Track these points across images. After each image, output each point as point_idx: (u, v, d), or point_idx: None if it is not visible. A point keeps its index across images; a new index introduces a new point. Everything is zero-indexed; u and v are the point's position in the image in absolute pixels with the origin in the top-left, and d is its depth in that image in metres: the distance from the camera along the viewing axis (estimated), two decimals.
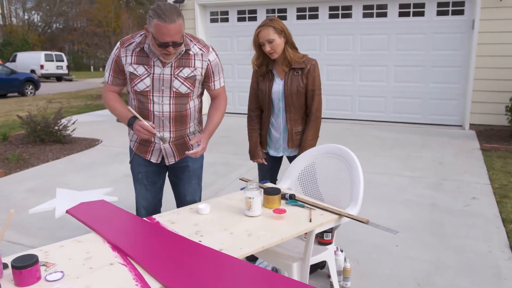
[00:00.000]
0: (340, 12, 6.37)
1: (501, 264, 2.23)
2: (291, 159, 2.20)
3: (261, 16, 6.88)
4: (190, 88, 1.80)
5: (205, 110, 1.97)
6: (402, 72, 6.18)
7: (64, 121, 5.42)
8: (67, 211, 1.58)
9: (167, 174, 2.04)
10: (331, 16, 6.43)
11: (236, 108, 7.35)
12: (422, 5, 5.88)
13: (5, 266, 1.22)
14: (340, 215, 1.62)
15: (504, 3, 5.30)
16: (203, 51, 1.80)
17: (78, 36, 29.43)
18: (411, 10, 5.96)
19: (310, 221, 1.56)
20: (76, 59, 32.09)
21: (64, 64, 19.52)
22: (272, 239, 1.42)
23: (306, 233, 1.65)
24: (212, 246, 1.35)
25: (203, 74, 1.82)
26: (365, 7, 6.18)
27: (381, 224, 1.99)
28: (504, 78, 5.43)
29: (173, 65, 1.75)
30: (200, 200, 2.02)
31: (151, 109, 1.79)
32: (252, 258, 2.14)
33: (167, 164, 1.93)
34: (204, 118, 1.92)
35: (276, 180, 2.33)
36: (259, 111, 2.23)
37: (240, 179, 2.12)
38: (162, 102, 1.77)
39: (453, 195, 3.29)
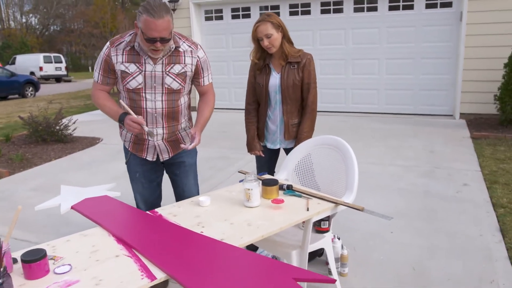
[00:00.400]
0: (331, 7, 6.43)
1: (492, 247, 2.31)
2: (287, 151, 2.25)
3: (255, 13, 6.91)
4: (182, 84, 1.84)
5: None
6: (393, 65, 6.26)
7: (65, 121, 5.48)
8: (72, 207, 1.61)
9: (164, 171, 2.08)
10: (323, 12, 6.49)
11: (231, 104, 7.39)
12: None
13: (14, 261, 1.26)
14: (337, 203, 1.68)
15: None
16: (192, 48, 1.85)
17: (76, 37, 29.30)
18: (401, 3, 6.03)
19: (308, 210, 1.61)
20: (74, 60, 32.07)
21: (63, 65, 19.58)
22: (271, 228, 1.47)
23: (303, 222, 1.70)
24: (213, 237, 1.39)
25: (193, 70, 1.87)
26: (356, 2, 6.25)
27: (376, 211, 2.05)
28: (492, 68, 5.53)
29: (164, 62, 1.78)
30: (198, 194, 2.06)
31: (144, 106, 1.82)
32: (252, 248, 2.19)
33: (161, 160, 1.97)
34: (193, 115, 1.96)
35: (274, 172, 2.39)
36: (256, 104, 2.28)
37: (238, 171, 2.17)
38: (154, 99, 1.80)
39: (444, 182, 3.37)
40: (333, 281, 1.18)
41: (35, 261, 1.17)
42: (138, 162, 1.97)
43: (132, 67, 1.76)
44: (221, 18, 7.19)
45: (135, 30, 1.76)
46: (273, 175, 2.32)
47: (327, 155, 1.99)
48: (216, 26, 7.24)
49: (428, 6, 5.88)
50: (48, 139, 5.28)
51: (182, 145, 1.83)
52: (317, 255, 2.24)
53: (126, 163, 2.02)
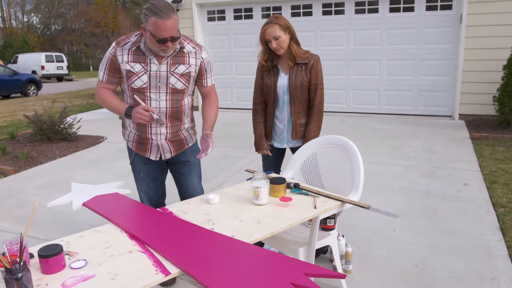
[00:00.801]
0: (333, 9, 6.47)
1: (492, 245, 2.35)
2: (294, 150, 2.29)
3: (257, 14, 6.95)
4: (186, 84, 1.87)
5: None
6: (394, 66, 6.31)
7: (69, 119, 5.51)
8: (83, 204, 1.64)
9: (168, 170, 2.11)
10: (325, 13, 6.53)
11: (234, 104, 7.42)
12: (412, 1, 6.00)
13: (31, 256, 1.29)
14: (343, 201, 1.71)
15: None
16: (196, 49, 1.89)
17: (77, 36, 29.36)
18: (401, 5, 6.07)
19: (315, 207, 1.65)
20: (75, 59, 32.10)
21: (64, 64, 19.64)
22: (280, 225, 1.50)
23: (310, 220, 1.74)
24: (224, 233, 1.42)
25: (196, 71, 1.90)
26: (357, 4, 6.29)
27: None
28: (491, 69, 5.58)
29: (168, 62, 1.82)
30: (202, 192, 2.09)
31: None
32: (259, 245, 2.22)
33: (163, 159, 1.99)
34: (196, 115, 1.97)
35: (280, 171, 2.42)
36: (263, 104, 2.31)
37: (246, 170, 2.20)
38: (159, 98, 1.83)
39: (445, 182, 3.42)
40: (344, 276, 1.21)
41: (52, 256, 1.19)
42: (142, 161, 2.00)
43: (137, 67, 1.79)
44: (223, 18, 7.23)
45: (141, 31, 1.78)
46: (279, 173, 2.35)
47: (333, 154, 2.02)
48: (218, 27, 7.28)
49: (429, 8, 5.93)
50: (53, 138, 5.32)
51: (198, 155, 1.81)
52: (321, 253, 2.28)
53: (130, 164, 2.05)
